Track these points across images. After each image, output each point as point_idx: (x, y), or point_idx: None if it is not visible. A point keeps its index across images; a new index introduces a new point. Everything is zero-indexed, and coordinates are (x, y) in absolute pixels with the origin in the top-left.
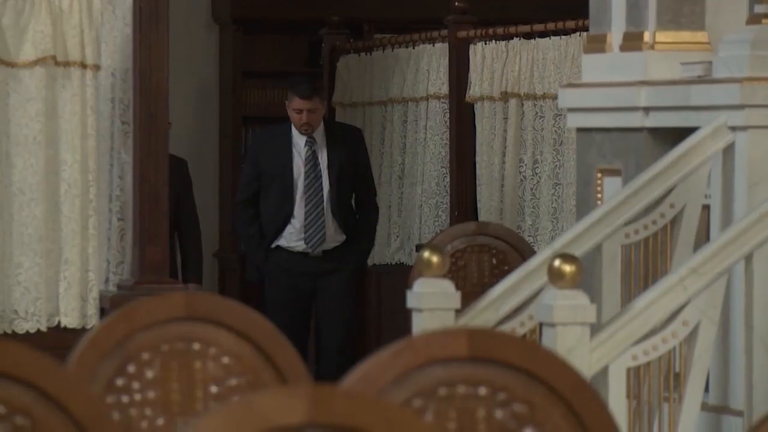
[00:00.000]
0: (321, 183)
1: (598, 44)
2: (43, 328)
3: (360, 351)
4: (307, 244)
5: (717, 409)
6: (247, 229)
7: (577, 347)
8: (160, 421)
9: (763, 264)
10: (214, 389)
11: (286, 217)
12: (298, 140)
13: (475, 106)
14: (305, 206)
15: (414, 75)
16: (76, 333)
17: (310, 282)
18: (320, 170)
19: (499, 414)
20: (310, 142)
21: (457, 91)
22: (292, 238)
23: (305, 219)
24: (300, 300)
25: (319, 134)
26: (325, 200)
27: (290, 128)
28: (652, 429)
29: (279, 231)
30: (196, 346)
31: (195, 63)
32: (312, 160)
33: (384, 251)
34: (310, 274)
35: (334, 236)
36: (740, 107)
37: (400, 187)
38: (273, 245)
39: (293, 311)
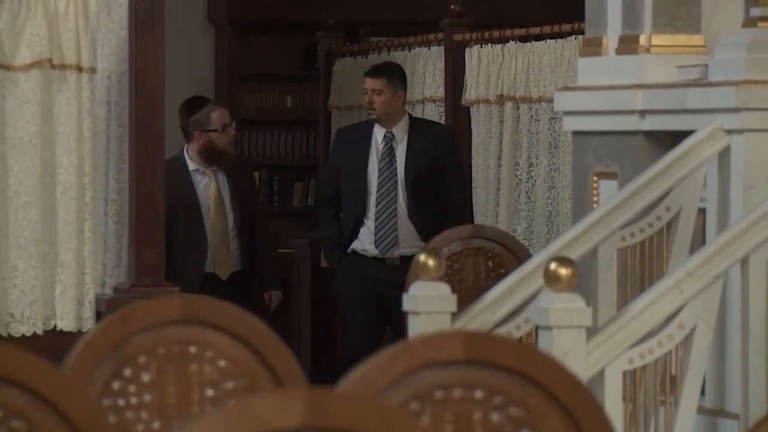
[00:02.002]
0: (396, 181)
1: (594, 47)
2: (39, 332)
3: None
4: (377, 247)
5: (713, 413)
6: (324, 231)
7: (573, 350)
8: (157, 424)
9: (759, 267)
10: (210, 392)
11: (360, 218)
12: (378, 135)
13: (470, 109)
14: (377, 206)
15: (410, 78)
16: (72, 336)
17: (384, 291)
18: (395, 168)
19: (495, 417)
20: (388, 137)
21: (452, 94)
22: (366, 240)
23: (376, 219)
24: (373, 309)
25: (400, 129)
26: (399, 200)
27: (373, 124)
28: None
29: (355, 233)
30: (193, 349)
31: (191, 65)
32: (387, 156)
33: None
34: (384, 283)
35: (410, 241)
36: (736, 110)
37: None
38: (349, 249)
39: (366, 321)
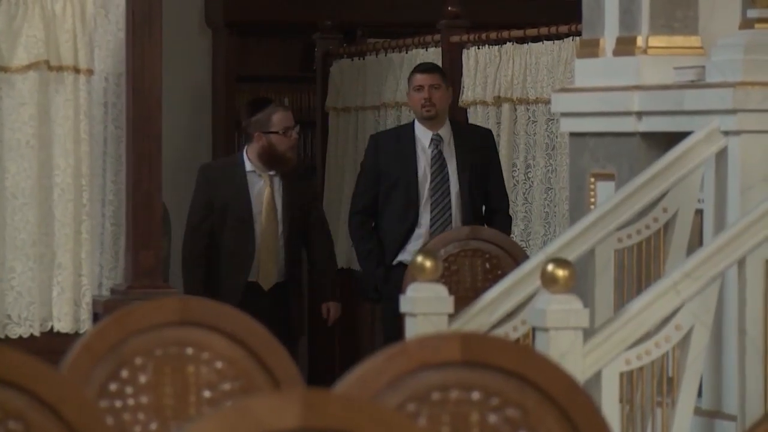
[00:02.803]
0: (448, 186)
1: (591, 49)
2: (36, 333)
3: (353, 356)
4: None
5: (710, 414)
6: (364, 245)
7: (570, 352)
8: (154, 426)
9: (756, 268)
10: (207, 394)
11: (410, 227)
12: (423, 138)
13: (468, 110)
14: (431, 212)
15: (407, 80)
16: (69, 338)
17: None
18: (447, 172)
19: (492, 418)
20: (436, 140)
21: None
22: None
23: (431, 227)
24: None
25: (446, 132)
26: (453, 206)
27: (413, 127)
28: None
29: (402, 244)
30: (190, 350)
31: (188, 67)
32: (438, 160)
33: None
34: None
35: None
36: (733, 112)
37: None
38: (395, 261)
39: None
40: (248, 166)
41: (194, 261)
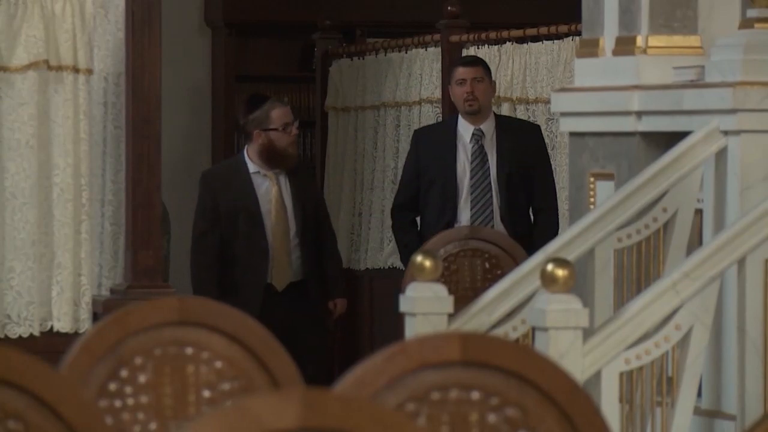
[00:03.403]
0: (489, 183)
1: (590, 48)
2: (36, 333)
3: (352, 356)
4: None
5: (710, 414)
6: (402, 237)
7: (569, 351)
8: (153, 426)
9: (756, 268)
10: (206, 393)
11: (448, 224)
12: (464, 133)
13: None
14: (471, 210)
15: (407, 79)
16: (69, 337)
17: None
18: (488, 168)
19: (491, 418)
20: (478, 135)
21: (449, 95)
22: None
23: (471, 224)
24: None
25: (488, 127)
26: (494, 203)
27: (456, 121)
28: None
29: None
30: (189, 350)
31: (187, 67)
32: (479, 156)
33: (377, 255)
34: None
35: None
36: (733, 111)
37: (393, 191)
38: None
39: None
40: (251, 167)
41: (203, 273)
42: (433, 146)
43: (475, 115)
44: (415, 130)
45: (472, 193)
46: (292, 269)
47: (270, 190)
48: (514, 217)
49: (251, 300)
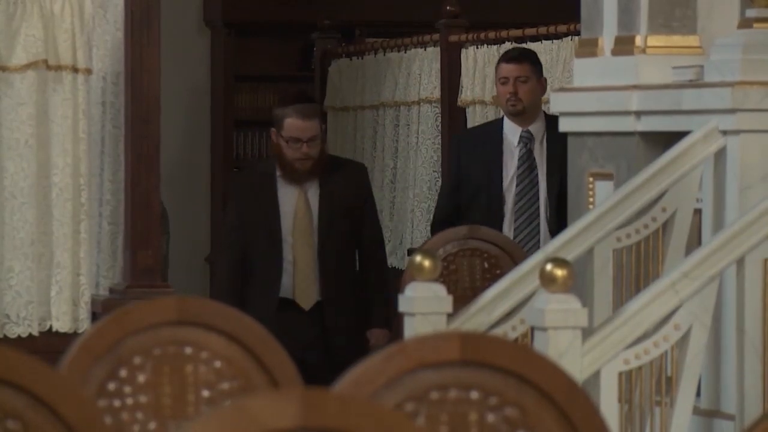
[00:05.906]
0: (537, 191)
1: (589, 48)
2: (35, 333)
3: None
4: None
5: (709, 413)
6: None
7: (568, 351)
8: (152, 425)
9: (755, 268)
10: (206, 393)
11: None
12: (511, 136)
13: (467, 109)
14: (515, 221)
15: (406, 79)
16: (68, 337)
17: None
18: (536, 174)
19: (490, 418)
20: (525, 138)
21: (448, 95)
22: None
23: (515, 238)
24: None
25: (538, 129)
26: (541, 213)
27: (502, 123)
28: None
29: None
30: (188, 350)
31: (186, 67)
32: (527, 161)
33: None
34: None
35: None
36: (732, 111)
37: (392, 191)
38: None
39: None
40: (278, 169)
41: (230, 277)
42: (475, 152)
43: (520, 117)
44: (455, 135)
45: (517, 202)
46: (318, 287)
47: (294, 196)
48: (563, 226)
49: (261, 319)
